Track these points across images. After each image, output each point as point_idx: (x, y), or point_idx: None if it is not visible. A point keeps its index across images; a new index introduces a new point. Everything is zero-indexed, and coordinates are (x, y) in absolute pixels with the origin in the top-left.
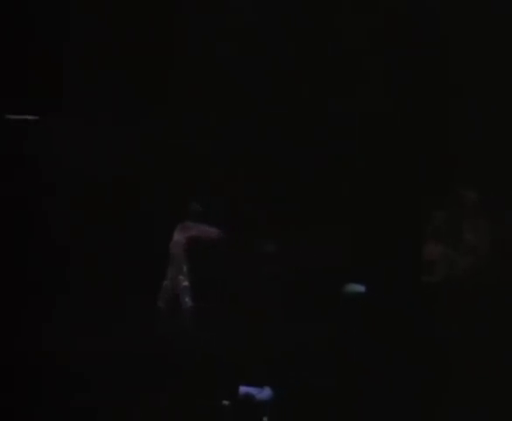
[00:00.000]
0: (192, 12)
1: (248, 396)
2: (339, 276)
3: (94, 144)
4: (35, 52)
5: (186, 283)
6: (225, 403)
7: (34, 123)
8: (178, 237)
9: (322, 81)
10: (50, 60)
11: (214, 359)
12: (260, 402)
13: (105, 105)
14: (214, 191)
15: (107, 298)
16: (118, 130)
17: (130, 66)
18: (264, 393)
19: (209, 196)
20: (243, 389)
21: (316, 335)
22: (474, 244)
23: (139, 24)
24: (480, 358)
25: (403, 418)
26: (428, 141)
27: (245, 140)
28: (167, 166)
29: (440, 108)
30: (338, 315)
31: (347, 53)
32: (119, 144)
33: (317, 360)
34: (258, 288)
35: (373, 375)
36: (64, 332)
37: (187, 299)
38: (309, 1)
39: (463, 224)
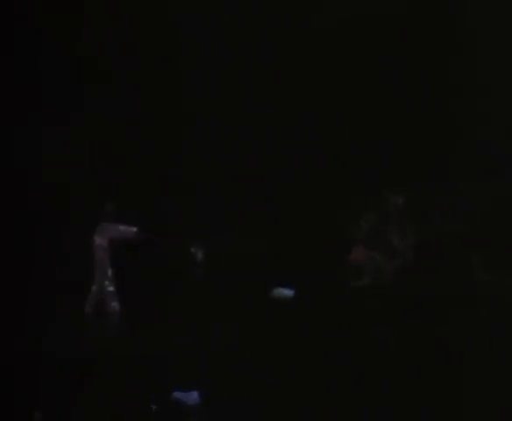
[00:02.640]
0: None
1: (176, 401)
2: (267, 280)
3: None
4: None
5: (111, 288)
6: (153, 407)
7: None
8: (99, 240)
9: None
10: None
11: (141, 363)
12: (188, 406)
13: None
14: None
15: (35, 303)
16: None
17: None
18: (191, 397)
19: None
20: (171, 394)
21: (243, 338)
22: (400, 247)
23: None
24: (409, 359)
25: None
26: (355, 146)
27: (167, 142)
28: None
29: (368, 115)
30: (267, 319)
31: None
32: (36, 145)
33: (245, 363)
34: (186, 291)
35: (302, 378)
36: None
37: (113, 304)
38: None
39: (389, 229)
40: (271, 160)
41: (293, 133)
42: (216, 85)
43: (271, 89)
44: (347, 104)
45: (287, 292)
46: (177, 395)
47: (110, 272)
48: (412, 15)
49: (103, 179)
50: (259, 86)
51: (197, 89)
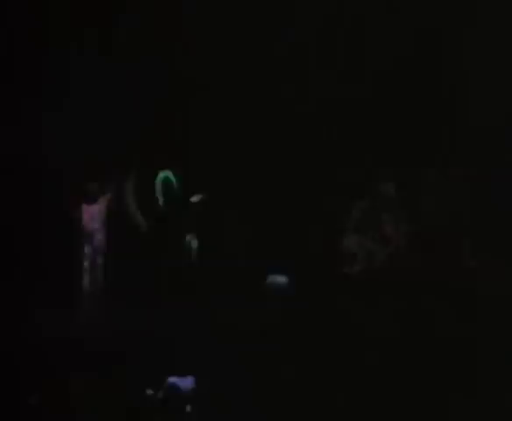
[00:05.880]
0: None
1: (171, 385)
2: (262, 267)
3: None
4: None
5: (102, 268)
6: (149, 392)
7: None
8: (88, 215)
9: None
10: None
11: (135, 347)
12: (184, 391)
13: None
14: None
15: (27, 283)
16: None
17: None
18: (187, 382)
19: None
20: (166, 379)
21: (237, 325)
22: (391, 235)
23: None
24: (401, 348)
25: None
26: (348, 137)
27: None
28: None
29: (361, 107)
30: (261, 305)
31: None
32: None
33: (240, 350)
34: (179, 276)
35: (295, 365)
36: None
37: (103, 282)
38: None
39: (381, 217)
40: (264, 150)
41: (285, 124)
42: (212, 81)
43: (262, 85)
44: (340, 95)
45: (280, 279)
46: (173, 380)
47: (102, 247)
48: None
49: (100, 166)
50: (250, 82)
51: (194, 83)
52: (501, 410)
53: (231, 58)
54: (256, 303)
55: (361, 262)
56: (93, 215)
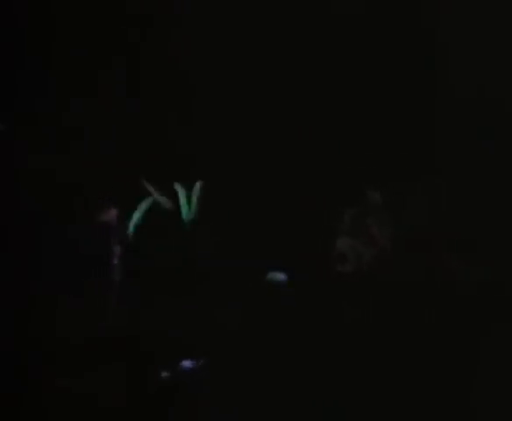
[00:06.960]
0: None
1: (183, 369)
2: (263, 266)
3: None
4: None
5: (117, 262)
6: (164, 374)
7: None
8: (107, 216)
9: None
10: None
11: (148, 333)
12: (195, 374)
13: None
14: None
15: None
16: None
17: None
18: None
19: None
20: (178, 363)
21: (243, 317)
22: (378, 237)
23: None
24: (389, 347)
25: (315, 405)
26: (338, 148)
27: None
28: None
29: (349, 116)
30: (263, 299)
31: None
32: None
33: (242, 346)
34: (186, 273)
35: (293, 361)
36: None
37: (118, 276)
38: None
39: (368, 221)
40: (263, 155)
41: (283, 130)
42: (213, 80)
43: (259, 89)
44: (338, 99)
45: (280, 276)
46: (186, 363)
47: (117, 248)
48: (379, 15)
49: (104, 165)
50: (247, 85)
51: (196, 82)
52: (501, 412)
53: (227, 59)
54: (258, 296)
55: (352, 262)
56: (111, 217)
